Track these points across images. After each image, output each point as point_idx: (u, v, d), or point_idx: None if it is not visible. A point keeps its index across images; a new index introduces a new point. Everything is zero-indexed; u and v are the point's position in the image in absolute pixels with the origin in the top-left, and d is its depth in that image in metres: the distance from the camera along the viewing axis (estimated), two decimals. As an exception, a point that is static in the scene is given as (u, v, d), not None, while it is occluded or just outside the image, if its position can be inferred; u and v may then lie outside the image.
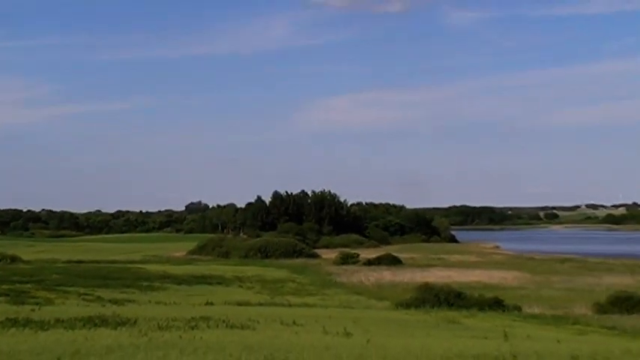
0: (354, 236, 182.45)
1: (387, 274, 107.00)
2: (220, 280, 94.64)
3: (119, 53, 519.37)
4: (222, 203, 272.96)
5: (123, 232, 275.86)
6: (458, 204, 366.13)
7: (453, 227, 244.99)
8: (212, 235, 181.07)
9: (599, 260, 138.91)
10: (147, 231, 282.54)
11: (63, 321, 32.27)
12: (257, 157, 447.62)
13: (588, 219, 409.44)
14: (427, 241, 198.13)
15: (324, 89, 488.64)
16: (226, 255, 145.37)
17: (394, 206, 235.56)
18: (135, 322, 33.00)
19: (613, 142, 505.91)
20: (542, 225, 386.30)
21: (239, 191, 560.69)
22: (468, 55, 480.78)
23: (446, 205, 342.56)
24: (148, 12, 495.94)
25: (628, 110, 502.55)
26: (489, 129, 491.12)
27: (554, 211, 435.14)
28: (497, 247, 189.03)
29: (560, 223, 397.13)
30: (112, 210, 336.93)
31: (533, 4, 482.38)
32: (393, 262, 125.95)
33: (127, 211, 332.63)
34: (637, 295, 74.53)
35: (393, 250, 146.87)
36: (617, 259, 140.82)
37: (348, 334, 34.52)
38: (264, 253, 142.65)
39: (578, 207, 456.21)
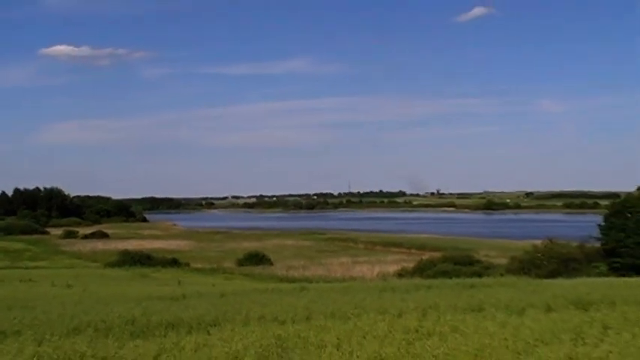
0: (75, 219, 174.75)
1: (98, 244, 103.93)
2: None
3: None
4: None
5: None
6: (147, 195, 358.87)
7: (145, 212, 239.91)
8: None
9: (238, 232, 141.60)
10: None
11: None
12: (3, 163, 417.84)
13: (233, 205, 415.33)
14: (127, 221, 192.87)
15: (57, 116, 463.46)
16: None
17: (104, 197, 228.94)
18: None
19: (261, 155, 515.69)
20: (203, 210, 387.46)
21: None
22: (156, 98, 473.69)
23: (140, 197, 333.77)
24: None
25: (264, 136, 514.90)
26: (170, 146, 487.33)
27: (211, 200, 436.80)
28: (175, 224, 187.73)
29: (216, 208, 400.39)
30: None
31: (200, 65, 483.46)
32: (103, 236, 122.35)
33: None
34: (261, 253, 76.81)
35: (103, 227, 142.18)
36: (250, 231, 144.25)
37: (69, 286, 33.38)
38: (8, 231, 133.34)
39: (226, 197, 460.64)
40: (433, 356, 9.11)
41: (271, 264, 72.15)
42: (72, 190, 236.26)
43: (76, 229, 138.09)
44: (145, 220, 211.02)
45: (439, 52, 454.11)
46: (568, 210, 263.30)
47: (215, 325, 12.90)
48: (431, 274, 47.21)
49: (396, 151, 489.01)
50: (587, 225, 68.84)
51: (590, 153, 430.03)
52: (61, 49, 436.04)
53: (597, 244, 60.54)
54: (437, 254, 69.30)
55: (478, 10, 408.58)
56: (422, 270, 54.72)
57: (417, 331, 11.32)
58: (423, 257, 66.48)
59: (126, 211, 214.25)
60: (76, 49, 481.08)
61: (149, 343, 10.97)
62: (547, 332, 11.01)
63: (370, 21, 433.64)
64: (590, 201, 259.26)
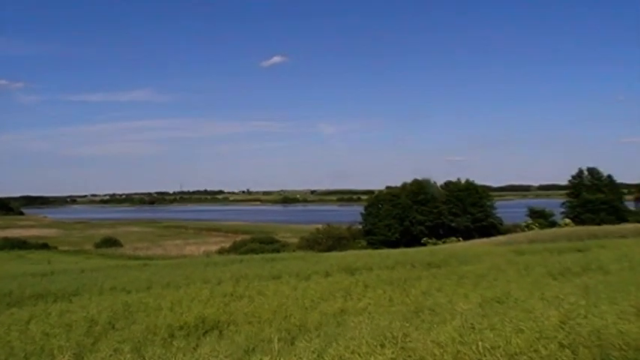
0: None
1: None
2: None
3: None
4: None
5: None
6: (23, 194, 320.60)
7: (21, 207, 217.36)
8: None
9: (96, 222, 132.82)
10: None
11: None
12: None
13: (92, 201, 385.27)
14: (7, 214, 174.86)
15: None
16: None
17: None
18: None
19: (113, 162, 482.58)
20: (68, 205, 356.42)
21: None
22: (31, 118, 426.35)
23: (18, 195, 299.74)
24: None
25: (115, 148, 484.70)
26: (41, 155, 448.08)
27: (75, 197, 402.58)
28: (46, 216, 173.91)
29: (78, 203, 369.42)
30: None
31: (65, 93, 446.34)
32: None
33: None
34: (114, 238, 73.49)
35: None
36: (105, 221, 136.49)
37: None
38: None
39: (86, 195, 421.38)
40: (244, 314, 9.11)
41: (121, 246, 69.22)
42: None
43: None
44: (21, 213, 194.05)
45: (246, 89, 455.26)
46: (341, 203, 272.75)
47: (76, 295, 12.39)
48: (243, 251, 47.17)
49: (215, 159, 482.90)
50: (353, 213, 72.36)
51: (354, 161, 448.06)
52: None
53: (360, 227, 64.09)
54: (247, 236, 69.61)
55: (277, 58, 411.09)
56: (236, 248, 54.71)
57: (231, 295, 11.29)
58: (237, 239, 66.56)
59: (6, 206, 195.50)
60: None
61: (22, 310, 10.41)
62: (326, 292, 11.34)
63: (194, 63, 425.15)
64: (355, 196, 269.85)
